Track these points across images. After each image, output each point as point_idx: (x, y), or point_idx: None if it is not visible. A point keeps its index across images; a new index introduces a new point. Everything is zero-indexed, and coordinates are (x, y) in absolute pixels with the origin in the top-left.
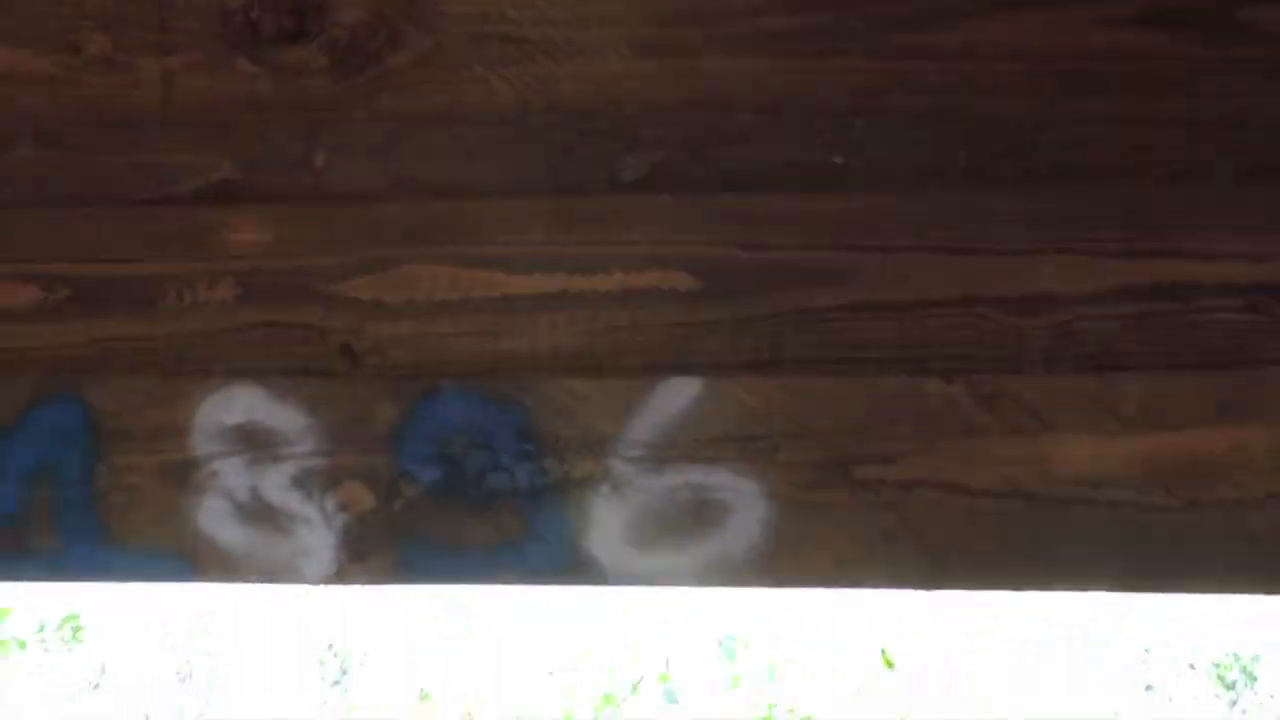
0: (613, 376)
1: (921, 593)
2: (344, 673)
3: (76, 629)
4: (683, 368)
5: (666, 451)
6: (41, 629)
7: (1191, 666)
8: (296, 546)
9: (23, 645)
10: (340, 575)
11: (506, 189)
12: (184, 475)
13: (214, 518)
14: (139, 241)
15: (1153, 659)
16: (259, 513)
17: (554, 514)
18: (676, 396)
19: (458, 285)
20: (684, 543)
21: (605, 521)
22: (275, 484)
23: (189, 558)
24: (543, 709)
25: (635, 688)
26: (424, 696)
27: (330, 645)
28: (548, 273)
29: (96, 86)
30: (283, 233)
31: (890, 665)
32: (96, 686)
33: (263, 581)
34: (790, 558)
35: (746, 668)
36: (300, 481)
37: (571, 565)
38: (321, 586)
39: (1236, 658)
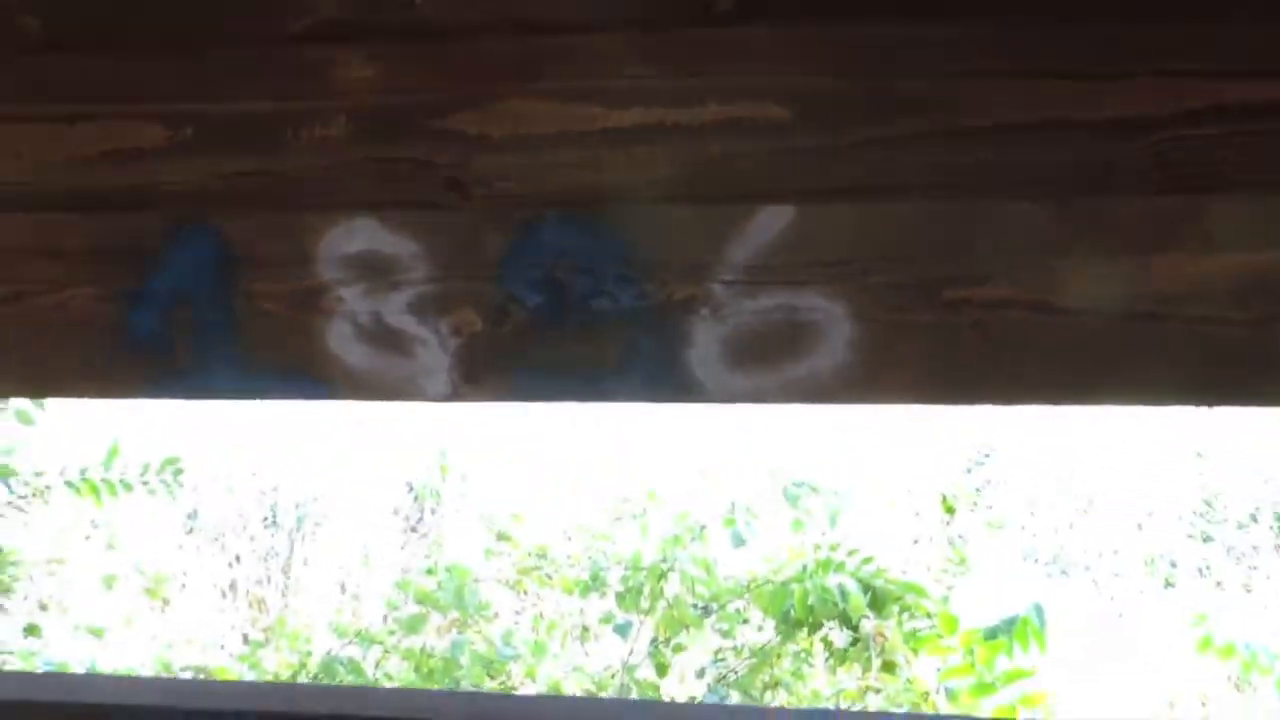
0: (709, 204)
1: (1005, 409)
2: (421, 517)
3: (177, 472)
4: (776, 195)
5: (761, 275)
6: (145, 470)
7: (1253, 519)
8: (416, 367)
9: (129, 487)
10: (456, 394)
11: (603, 23)
12: (312, 301)
13: (340, 340)
14: (253, 80)
15: (1213, 510)
16: (380, 335)
17: (654, 335)
18: (771, 223)
19: (558, 118)
20: (777, 362)
21: (703, 342)
22: (394, 309)
23: (319, 377)
24: (612, 549)
25: (701, 532)
26: (501, 536)
27: (410, 488)
28: (645, 105)
29: None
30: (388, 70)
31: (950, 510)
32: (190, 531)
33: (386, 399)
34: (878, 376)
35: (810, 512)
36: (416, 306)
37: (671, 384)
38: (440, 404)
39: None
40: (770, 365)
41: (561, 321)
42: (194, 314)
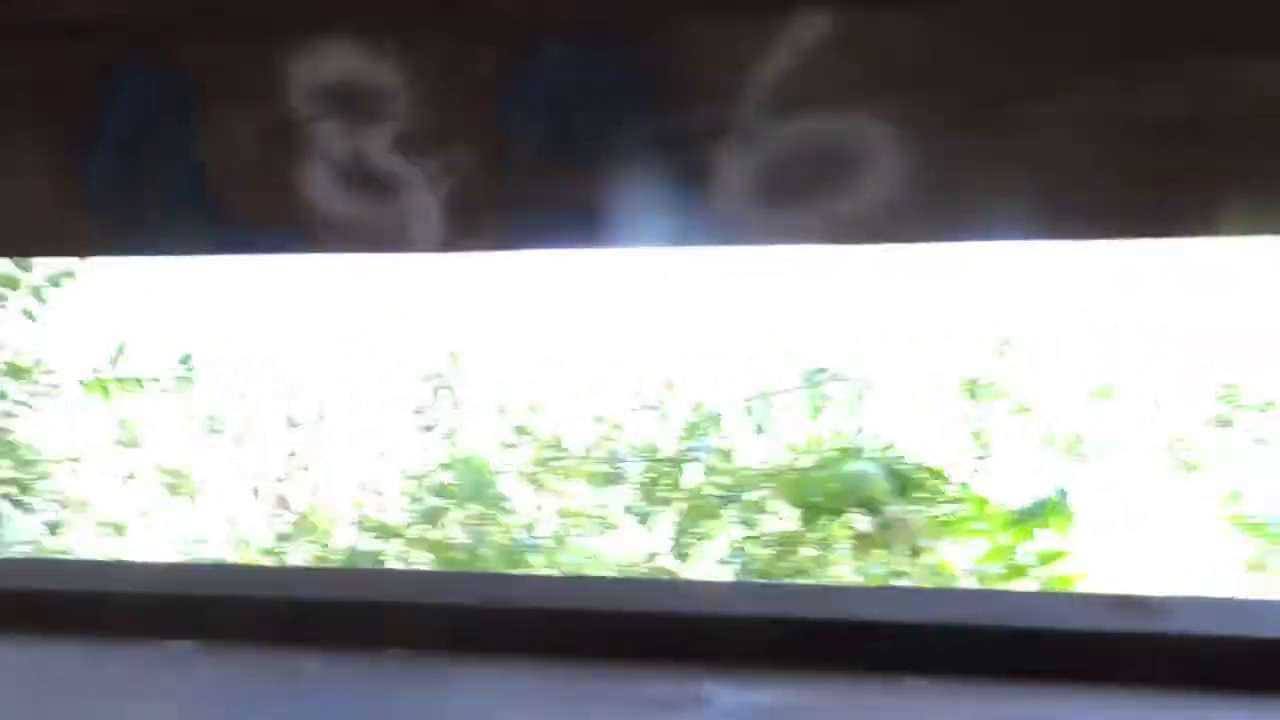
0: (734, 16)
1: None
2: (438, 411)
3: (189, 369)
4: (811, 1)
5: (796, 95)
6: (157, 367)
7: (1274, 403)
8: (403, 212)
9: (140, 384)
10: (449, 243)
11: None
12: (284, 139)
13: (318, 183)
14: None
15: (1233, 395)
16: (363, 177)
17: (674, 169)
18: (805, 34)
19: None
20: (816, 196)
21: (731, 175)
22: (377, 146)
23: (296, 226)
24: (632, 438)
25: (719, 420)
26: (519, 430)
27: (426, 381)
28: None
29: None
30: None
31: (973, 395)
32: (214, 432)
33: (372, 250)
34: (933, 209)
35: (831, 397)
36: (402, 143)
37: (695, 225)
38: (431, 254)
39: None
40: (808, 200)
41: (567, 157)
42: (151, 158)
